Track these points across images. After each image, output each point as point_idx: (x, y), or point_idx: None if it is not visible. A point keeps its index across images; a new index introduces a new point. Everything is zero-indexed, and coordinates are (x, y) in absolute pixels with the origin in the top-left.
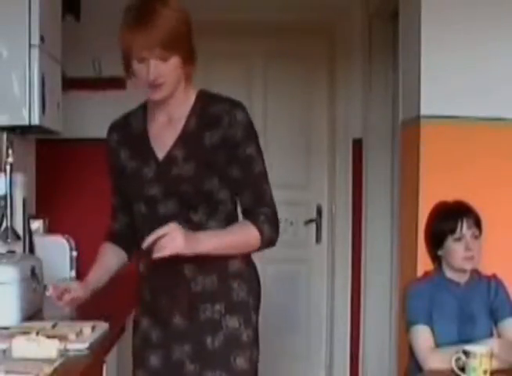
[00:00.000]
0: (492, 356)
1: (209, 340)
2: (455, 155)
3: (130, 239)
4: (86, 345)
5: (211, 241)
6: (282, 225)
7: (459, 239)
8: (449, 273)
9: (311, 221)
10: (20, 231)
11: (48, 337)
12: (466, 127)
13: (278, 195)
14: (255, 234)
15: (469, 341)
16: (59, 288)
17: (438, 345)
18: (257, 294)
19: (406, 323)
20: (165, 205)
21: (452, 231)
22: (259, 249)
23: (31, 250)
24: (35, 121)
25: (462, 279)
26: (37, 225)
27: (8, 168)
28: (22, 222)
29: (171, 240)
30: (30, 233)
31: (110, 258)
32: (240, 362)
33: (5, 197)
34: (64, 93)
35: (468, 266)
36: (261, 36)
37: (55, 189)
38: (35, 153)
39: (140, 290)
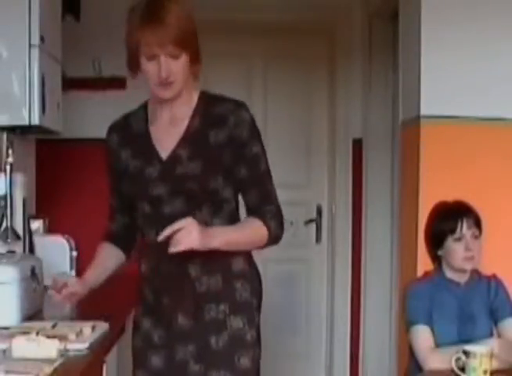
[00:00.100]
0: (492, 356)
1: (213, 340)
2: (455, 155)
3: (127, 240)
4: (86, 345)
5: (223, 236)
6: None
7: (459, 239)
8: (449, 273)
9: (311, 221)
10: (20, 231)
11: (48, 337)
12: (466, 127)
13: (278, 195)
14: (263, 230)
15: (469, 341)
16: (59, 282)
17: (438, 345)
18: (260, 294)
19: (406, 323)
20: (171, 204)
21: (452, 231)
22: (266, 245)
23: (31, 250)
24: (35, 121)
25: (462, 279)
26: (37, 225)
27: (8, 168)
28: (22, 222)
29: (187, 235)
30: (30, 233)
31: (108, 258)
32: (244, 362)
33: (5, 197)
34: (64, 93)
35: (468, 266)
36: (261, 36)
37: (55, 189)
38: (35, 153)
39: (141, 290)
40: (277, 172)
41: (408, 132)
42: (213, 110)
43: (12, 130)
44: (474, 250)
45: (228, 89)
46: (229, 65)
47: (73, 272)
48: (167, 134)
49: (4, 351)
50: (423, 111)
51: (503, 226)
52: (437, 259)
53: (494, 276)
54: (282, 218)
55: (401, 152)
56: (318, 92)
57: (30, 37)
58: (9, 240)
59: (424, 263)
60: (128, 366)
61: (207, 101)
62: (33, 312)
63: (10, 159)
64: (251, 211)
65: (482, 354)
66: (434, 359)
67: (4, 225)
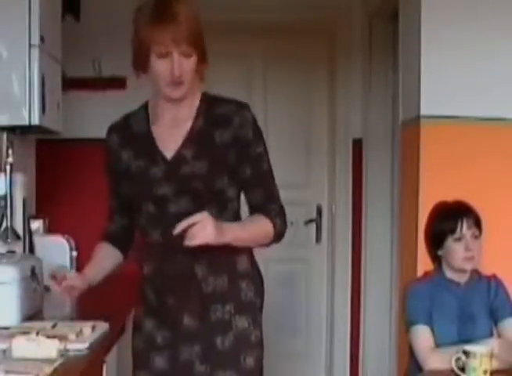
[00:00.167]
0: (492, 356)
1: (219, 340)
2: (455, 155)
3: (125, 240)
4: (86, 345)
5: (234, 231)
6: None
7: (459, 239)
8: (449, 273)
9: (311, 221)
10: (20, 231)
11: (48, 337)
12: (466, 127)
13: None
14: (270, 227)
15: (469, 341)
16: (58, 274)
17: (438, 345)
18: (262, 294)
19: (406, 323)
20: (177, 204)
21: (452, 231)
22: (271, 243)
23: (31, 250)
24: (35, 121)
25: (462, 279)
26: (37, 225)
27: (8, 168)
28: (22, 222)
29: (202, 229)
30: (30, 233)
31: (106, 258)
32: (249, 362)
33: (5, 197)
34: (64, 93)
35: (468, 266)
36: (261, 36)
37: (55, 189)
38: (35, 153)
39: (143, 291)
40: (277, 172)
41: (408, 132)
42: (216, 111)
43: (12, 130)
44: (474, 250)
45: (228, 89)
46: (229, 65)
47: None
48: (171, 134)
49: (4, 351)
50: (423, 111)
51: (503, 226)
52: (437, 259)
53: (494, 276)
54: (285, 217)
55: (401, 152)
56: (318, 92)
57: (30, 37)
58: (9, 240)
59: (424, 263)
60: (128, 366)
61: (210, 102)
62: (33, 312)
63: (10, 159)
64: (255, 210)
65: (482, 354)
66: (434, 359)
67: (4, 225)
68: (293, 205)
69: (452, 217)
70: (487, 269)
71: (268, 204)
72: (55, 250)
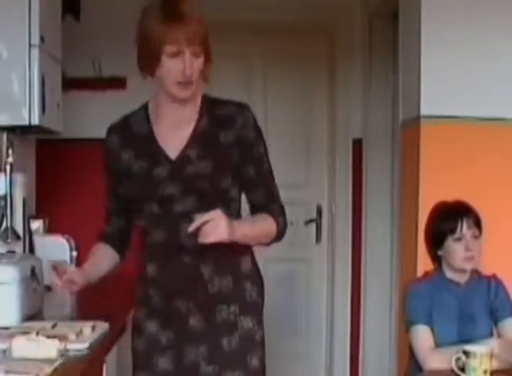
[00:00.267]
0: (492, 356)
1: (225, 341)
2: (455, 155)
3: (122, 241)
4: (86, 345)
5: (242, 229)
6: None
7: (459, 239)
8: (449, 273)
9: (311, 221)
10: (20, 231)
11: (48, 337)
12: (466, 127)
13: None
14: (273, 226)
15: (469, 341)
16: (60, 266)
17: (438, 345)
18: (263, 295)
19: (406, 323)
20: (182, 203)
21: (452, 231)
22: (272, 241)
23: (31, 250)
24: (35, 121)
25: (462, 279)
26: (37, 225)
27: (8, 168)
28: (22, 222)
29: (216, 227)
30: (30, 233)
31: (103, 258)
32: (255, 361)
33: (5, 197)
34: (64, 93)
35: (468, 266)
36: (261, 36)
37: (55, 189)
38: (35, 153)
39: (145, 292)
40: (277, 172)
41: (408, 132)
42: (218, 112)
43: (12, 130)
44: (474, 250)
45: (228, 89)
46: (229, 65)
47: None
48: (174, 134)
49: (4, 351)
50: (423, 111)
51: (503, 226)
52: (437, 259)
53: (494, 276)
54: (285, 215)
55: (401, 152)
56: (318, 92)
57: (30, 37)
58: (9, 240)
59: (424, 263)
60: (128, 366)
61: (210, 103)
62: (33, 312)
63: (10, 159)
64: (258, 209)
65: (482, 354)
66: (434, 359)
67: (4, 225)
68: (293, 205)
69: (452, 217)
70: (487, 269)
71: (269, 203)
72: (55, 250)
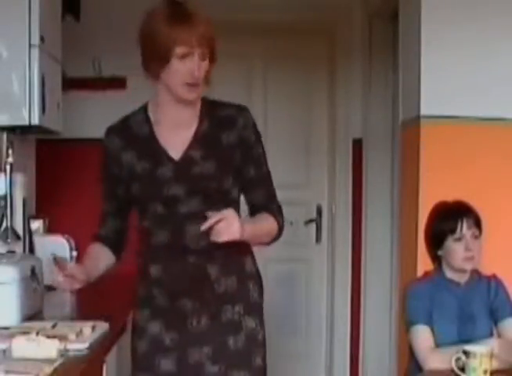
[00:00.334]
0: (492, 356)
1: (231, 341)
2: (455, 155)
3: (118, 243)
4: (86, 345)
5: (250, 228)
6: None
7: (459, 239)
8: (449, 273)
9: (311, 221)
10: (20, 231)
11: (48, 337)
12: (466, 127)
13: (278, 195)
14: (275, 226)
15: (469, 341)
16: (61, 261)
17: (438, 345)
18: (263, 295)
19: (406, 323)
20: (187, 204)
21: (452, 231)
22: (272, 241)
23: (31, 250)
24: (35, 121)
25: (462, 279)
26: (37, 225)
27: (8, 168)
28: (22, 222)
29: (229, 226)
30: (30, 233)
31: (101, 258)
32: (258, 361)
33: (5, 197)
34: (64, 93)
35: (468, 266)
36: (261, 36)
37: (55, 189)
38: (35, 153)
39: (148, 293)
40: (277, 172)
41: (408, 132)
42: (219, 113)
43: (12, 130)
44: (474, 250)
45: (228, 89)
46: (229, 65)
47: None
48: (175, 135)
49: (4, 351)
50: (423, 111)
51: (503, 226)
52: (437, 259)
53: (494, 276)
54: (283, 216)
55: (401, 152)
56: (318, 92)
57: (30, 37)
58: (9, 240)
59: (424, 263)
60: (128, 366)
61: (210, 105)
62: (33, 312)
63: (10, 159)
64: (258, 209)
65: (482, 354)
66: (434, 359)
67: (4, 225)
68: (293, 205)
69: (452, 217)
70: (487, 269)
71: (269, 203)
72: (55, 250)
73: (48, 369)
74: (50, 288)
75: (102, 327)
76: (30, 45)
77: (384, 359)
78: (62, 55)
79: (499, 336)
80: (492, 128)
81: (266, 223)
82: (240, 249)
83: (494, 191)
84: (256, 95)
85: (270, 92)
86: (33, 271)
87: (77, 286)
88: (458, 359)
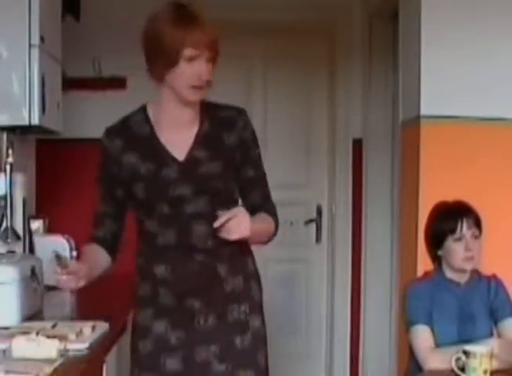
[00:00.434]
0: (492, 356)
1: (238, 340)
2: (455, 155)
3: (114, 245)
4: (86, 345)
5: (256, 226)
6: (282, 226)
7: (459, 239)
8: (449, 273)
9: (311, 221)
10: (20, 231)
11: (48, 337)
12: (466, 127)
13: (278, 195)
14: (273, 225)
15: (469, 341)
16: (63, 258)
17: (438, 345)
18: (262, 294)
19: (406, 323)
20: (194, 204)
21: (452, 231)
22: (269, 240)
23: (31, 250)
24: (35, 121)
25: (462, 279)
26: (37, 225)
27: (8, 168)
28: (22, 222)
29: (239, 224)
30: (30, 233)
31: (98, 257)
32: (262, 359)
33: (5, 197)
34: (64, 93)
35: (468, 266)
36: (261, 36)
37: (55, 189)
38: (35, 153)
39: (153, 293)
40: (277, 172)
41: (408, 132)
42: (219, 114)
43: (12, 130)
44: (474, 250)
45: (228, 90)
46: (229, 65)
47: None
48: (177, 136)
49: (4, 351)
50: (423, 111)
51: (503, 226)
52: (437, 259)
53: (494, 276)
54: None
55: (401, 152)
56: (318, 92)
57: (30, 37)
58: (9, 240)
59: (424, 263)
60: (128, 366)
61: (209, 106)
62: (33, 312)
63: (10, 159)
64: (255, 209)
65: (482, 354)
66: (434, 359)
67: (4, 225)
68: (293, 205)
69: (452, 217)
70: (487, 269)
71: (265, 204)
72: (55, 250)
73: (48, 369)
74: (50, 288)
75: (102, 327)
76: (30, 45)
77: (384, 359)
78: (62, 55)
79: (499, 336)
80: (492, 128)
81: (266, 223)
82: (243, 248)
83: (494, 191)
84: (256, 95)
85: (270, 92)
86: (33, 271)
87: (81, 283)
88: (458, 359)
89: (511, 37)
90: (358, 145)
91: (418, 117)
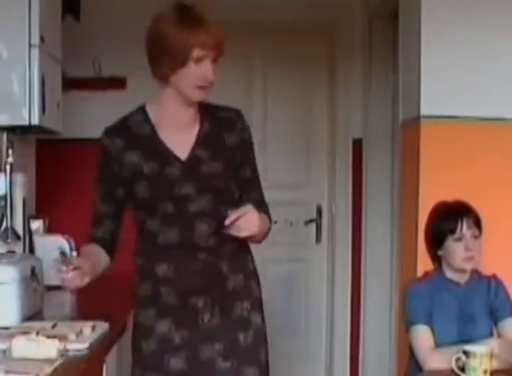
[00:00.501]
0: (492, 356)
1: (242, 337)
2: (455, 155)
3: (113, 245)
4: (86, 345)
5: (261, 225)
6: (282, 226)
7: (459, 239)
8: (449, 273)
9: (311, 221)
10: (20, 231)
11: (48, 337)
12: (466, 127)
13: (278, 195)
14: (268, 223)
15: (469, 341)
16: (69, 258)
17: (438, 345)
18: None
19: (406, 323)
20: (198, 203)
21: (452, 231)
22: (265, 238)
23: (31, 250)
24: (35, 121)
25: (462, 279)
26: (37, 225)
27: (8, 168)
28: (22, 222)
29: (248, 222)
30: (30, 233)
31: (98, 256)
32: (264, 356)
33: (5, 197)
34: (64, 93)
35: (468, 266)
36: (261, 36)
37: (55, 189)
38: (35, 153)
39: (155, 292)
40: (277, 172)
41: (408, 132)
42: (219, 115)
43: (12, 130)
44: (474, 250)
45: (228, 90)
46: (229, 66)
47: None
48: (178, 136)
49: (4, 351)
50: (423, 111)
51: (503, 226)
52: (437, 259)
53: (494, 276)
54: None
55: (401, 152)
56: (318, 92)
57: (30, 37)
58: (9, 240)
59: (424, 263)
60: (128, 366)
61: (208, 107)
62: (33, 312)
63: (10, 159)
64: None
65: (482, 354)
66: (434, 359)
67: (4, 225)
68: (293, 205)
69: (452, 217)
70: (487, 269)
71: (261, 204)
72: (55, 250)
73: (48, 369)
74: (50, 288)
75: (102, 327)
76: (30, 45)
77: (384, 359)
78: (62, 55)
79: (499, 336)
80: (492, 128)
81: (265, 221)
82: (243, 247)
83: (494, 191)
84: (256, 95)
85: (270, 92)
86: (33, 271)
87: (86, 280)
88: (458, 359)
89: (511, 38)
90: (358, 145)
91: (418, 117)
